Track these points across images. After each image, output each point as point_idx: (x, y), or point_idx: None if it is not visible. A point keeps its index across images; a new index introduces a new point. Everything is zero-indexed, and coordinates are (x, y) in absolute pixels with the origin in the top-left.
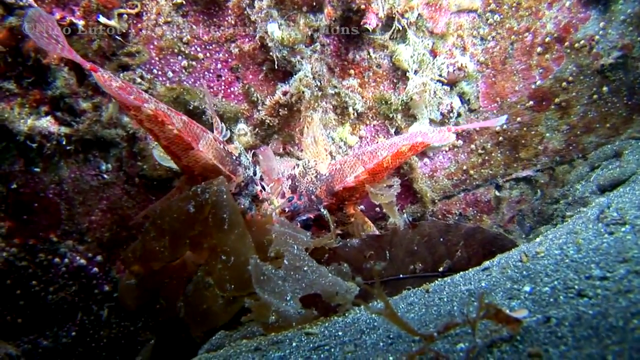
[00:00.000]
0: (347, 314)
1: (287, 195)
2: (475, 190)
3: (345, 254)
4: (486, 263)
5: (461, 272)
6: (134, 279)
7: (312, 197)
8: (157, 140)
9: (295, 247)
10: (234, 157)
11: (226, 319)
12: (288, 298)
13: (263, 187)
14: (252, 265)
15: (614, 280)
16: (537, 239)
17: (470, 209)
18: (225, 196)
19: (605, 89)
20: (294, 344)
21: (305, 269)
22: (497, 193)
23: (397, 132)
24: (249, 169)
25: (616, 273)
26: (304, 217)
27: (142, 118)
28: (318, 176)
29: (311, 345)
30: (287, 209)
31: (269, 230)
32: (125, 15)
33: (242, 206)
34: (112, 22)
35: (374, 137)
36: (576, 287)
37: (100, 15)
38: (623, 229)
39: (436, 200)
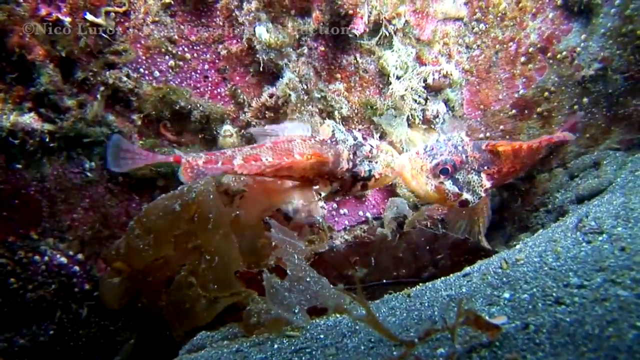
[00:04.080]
0: (329, 317)
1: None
2: (428, 206)
3: (331, 259)
4: (467, 269)
5: (442, 278)
6: (116, 277)
7: (458, 147)
8: (264, 175)
9: (296, 257)
10: (329, 140)
11: (208, 319)
12: (296, 311)
13: (371, 145)
14: (266, 280)
15: (590, 288)
16: (517, 246)
17: (452, 214)
18: (211, 196)
19: (585, 100)
20: (275, 346)
21: (307, 279)
22: (446, 217)
23: (381, 137)
24: (347, 139)
25: (593, 281)
26: (447, 157)
27: (238, 170)
28: (462, 140)
29: (293, 348)
30: (432, 148)
31: (262, 234)
32: (113, 14)
33: (364, 171)
34: (99, 20)
35: None
36: (554, 294)
37: (88, 13)
38: (600, 238)
39: (419, 206)
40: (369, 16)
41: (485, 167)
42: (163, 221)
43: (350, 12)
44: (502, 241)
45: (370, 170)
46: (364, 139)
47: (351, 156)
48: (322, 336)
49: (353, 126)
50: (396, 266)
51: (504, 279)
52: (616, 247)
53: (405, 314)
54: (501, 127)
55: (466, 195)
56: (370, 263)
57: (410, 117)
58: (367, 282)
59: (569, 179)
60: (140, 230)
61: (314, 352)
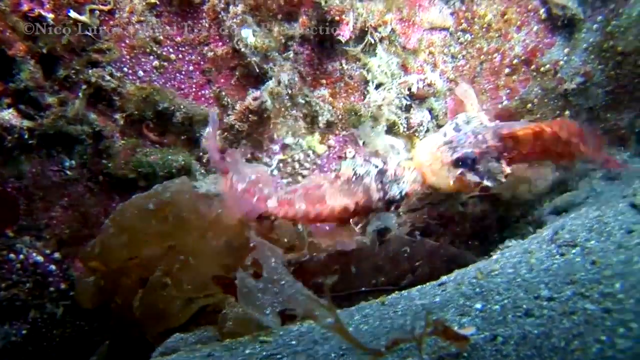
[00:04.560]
0: (303, 323)
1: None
2: (439, 205)
3: (312, 268)
4: (443, 278)
5: (418, 286)
6: (91, 276)
7: (478, 136)
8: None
9: (273, 260)
10: (355, 178)
11: (182, 321)
12: (267, 312)
13: (392, 167)
14: (239, 279)
15: (560, 301)
16: (494, 256)
17: (434, 223)
18: (186, 196)
19: (567, 112)
20: (247, 351)
21: (282, 282)
22: (461, 209)
23: (365, 143)
24: (369, 171)
25: (563, 294)
26: (468, 150)
27: (272, 212)
28: (483, 124)
29: (264, 354)
30: (451, 140)
31: (242, 235)
32: (97, 12)
33: (396, 195)
34: (83, 18)
35: (342, 147)
36: (524, 306)
37: (71, 10)
38: (574, 251)
39: (401, 213)
40: (355, 23)
41: (505, 154)
42: (137, 220)
43: (337, 18)
44: (483, 250)
45: (401, 192)
46: (384, 163)
47: (379, 185)
48: (294, 342)
49: (337, 132)
50: (376, 274)
51: (478, 289)
52: (587, 261)
53: (378, 322)
54: None
55: (487, 182)
56: (351, 272)
57: (393, 126)
58: (347, 291)
59: (549, 191)
60: (115, 229)
61: (284, 359)
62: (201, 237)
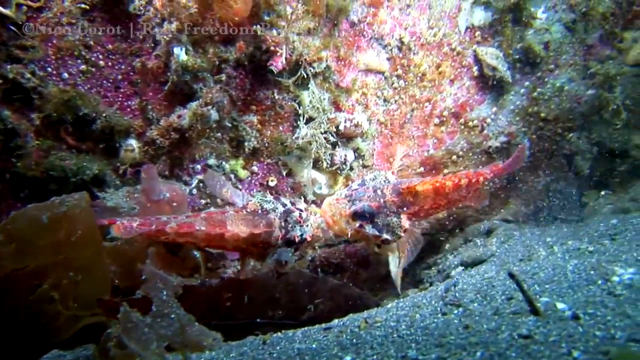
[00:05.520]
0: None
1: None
2: (356, 243)
3: (203, 294)
4: (334, 322)
5: (305, 328)
6: None
7: (377, 190)
8: (198, 247)
9: (165, 293)
10: (260, 211)
11: (65, 337)
12: (153, 347)
13: (299, 209)
14: (122, 314)
15: None
16: (388, 305)
17: (349, 260)
18: (81, 212)
19: None
20: None
21: (172, 316)
22: (376, 249)
23: (288, 174)
24: (276, 208)
25: (428, 357)
26: (365, 204)
27: (173, 237)
28: (386, 179)
29: None
30: (351, 194)
31: (141, 258)
32: (25, 7)
33: (297, 236)
34: (8, 11)
35: (265, 175)
36: None
37: None
38: (456, 311)
39: (316, 247)
40: (290, 55)
41: (404, 209)
42: (28, 231)
43: (272, 48)
44: (394, 293)
45: (302, 235)
46: (292, 204)
47: (283, 223)
48: None
49: (262, 159)
50: (273, 306)
51: (355, 340)
52: (462, 324)
53: None
54: None
55: (386, 236)
56: (244, 300)
57: (317, 161)
58: (240, 320)
59: (463, 243)
60: (3, 237)
61: None
62: (95, 256)
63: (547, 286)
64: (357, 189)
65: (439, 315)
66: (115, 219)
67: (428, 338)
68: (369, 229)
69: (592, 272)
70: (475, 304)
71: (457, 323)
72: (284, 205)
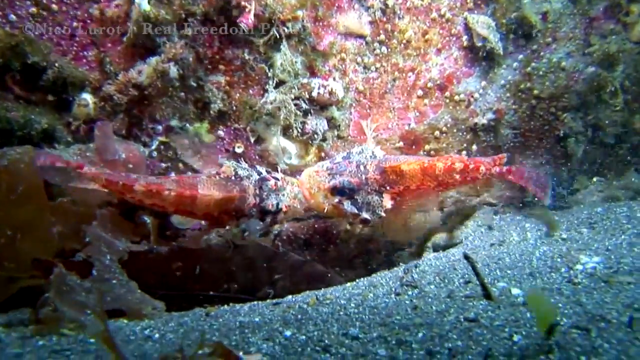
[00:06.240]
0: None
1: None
2: (327, 219)
3: (151, 261)
4: (286, 298)
5: (253, 302)
6: None
7: (361, 166)
8: (165, 211)
9: (108, 258)
10: (234, 177)
11: (1, 299)
12: (88, 312)
13: (275, 178)
14: (55, 274)
15: (362, 341)
16: (347, 284)
17: (318, 237)
18: (24, 167)
19: (474, 147)
20: (40, 343)
21: (114, 282)
22: (349, 227)
23: (257, 141)
24: (251, 175)
25: (369, 335)
26: (345, 179)
27: (139, 197)
28: (373, 155)
29: (52, 348)
30: (333, 167)
31: (90, 219)
32: None
33: (272, 204)
34: None
35: (231, 141)
36: (326, 341)
37: None
38: (410, 293)
39: (284, 221)
40: (262, 12)
41: (387, 187)
42: None
43: (242, 3)
44: (366, 272)
45: (278, 204)
46: (268, 172)
47: (257, 191)
48: (92, 340)
49: (229, 123)
50: (228, 280)
51: (300, 316)
52: (412, 305)
53: (182, 335)
54: None
55: (365, 215)
56: (194, 272)
57: (288, 128)
58: (193, 292)
59: (442, 224)
60: None
61: (71, 357)
62: (37, 212)
63: (508, 272)
64: (339, 162)
65: (392, 295)
66: (83, 163)
67: (374, 317)
68: (347, 206)
69: (558, 259)
70: (432, 286)
71: (408, 304)
72: (259, 173)
